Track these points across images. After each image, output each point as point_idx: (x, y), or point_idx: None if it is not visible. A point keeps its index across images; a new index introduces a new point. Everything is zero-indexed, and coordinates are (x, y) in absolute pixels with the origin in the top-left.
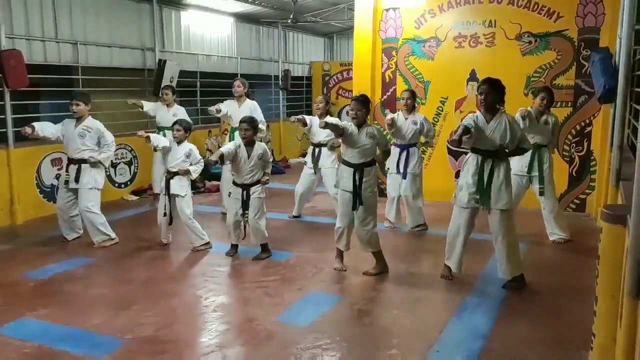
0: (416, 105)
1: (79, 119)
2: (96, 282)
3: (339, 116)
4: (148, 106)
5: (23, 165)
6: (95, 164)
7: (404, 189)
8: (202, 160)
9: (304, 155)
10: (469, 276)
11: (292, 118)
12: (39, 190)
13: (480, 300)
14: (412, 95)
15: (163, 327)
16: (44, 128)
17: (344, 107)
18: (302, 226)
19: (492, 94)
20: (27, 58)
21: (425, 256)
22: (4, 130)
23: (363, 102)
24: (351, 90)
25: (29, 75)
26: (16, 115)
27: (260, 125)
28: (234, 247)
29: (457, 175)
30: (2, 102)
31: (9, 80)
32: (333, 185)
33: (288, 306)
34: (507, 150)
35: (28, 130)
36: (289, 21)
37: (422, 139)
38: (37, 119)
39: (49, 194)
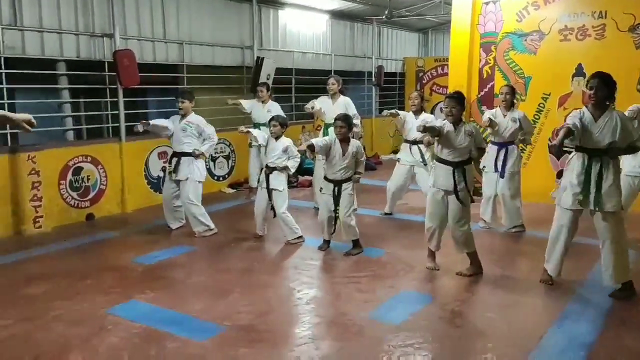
0: (515, 101)
1: (184, 115)
2: (197, 270)
3: (432, 113)
4: (246, 104)
5: (133, 157)
6: (198, 157)
7: (501, 188)
8: (299, 155)
9: (395, 151)
10: (571, 282)
11: (385, 112)
12: (146, 181)
13: (583, 308)
14: (512, 90)
15: (259, 316)
16: (158, 124)
17: (437, 103)
18: (393, 223)
19: (603, 88)
20: (139, 57)
21: (523, 259)
22: (117, 125)
23: (457, 99)
24: (445, 87)
25: (140, 74)
26: (127, 111)
27: (355, 120)
28: (327, 242)
29: (559, 175)
30: (116, 99)
31: (122, 79)
32: (427, 183)
33: (379, 303)
34: (617, 149)
35: (140, 128)
36: (384, 17)
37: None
38: (146, 115)
39: (156, 184)
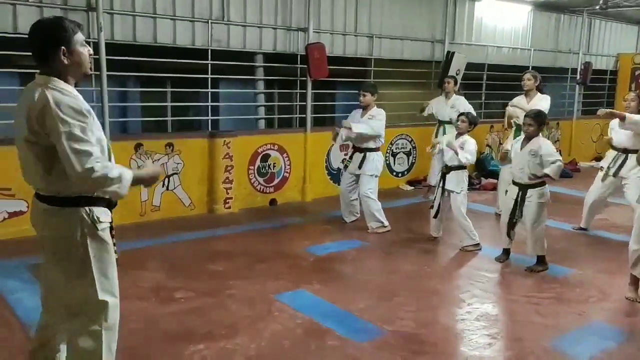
0: None
1: (365, 109)
2: (365, 267)
3: None
4: (430, 109)
5: (316, 148)
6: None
7: None
8: (475, 152)
9: (597, 158)
10: None
11: (601, 111)
12: (327, 172)
13: None
14: None
15: (422, 325)
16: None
17: None
18: (587, 240)
19: None
20: (329, 51)
21: None
22: (304, 116)
23: None
24: None
25: (329, 67)
26: (315, 103)
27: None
28: (506, 252)
29: None
30: (305, 91)
31: (311, 71)
32: (635, 199)
33: (563, 332)
34: None
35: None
36: (597, 7)
37: None
38: (333, 107)
39: (335, 176)
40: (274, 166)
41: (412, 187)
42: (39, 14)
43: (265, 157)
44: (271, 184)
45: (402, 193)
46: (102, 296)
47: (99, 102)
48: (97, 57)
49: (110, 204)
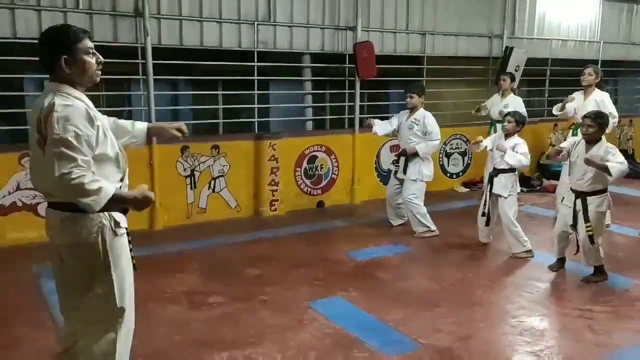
0: None
1: (412, 111)
2: (407, 273)
3: None
4: (488, 105)
5: (365, 149)
6: (409, 155)
7: None
8: (527, 154)
9: None
10: None
11: None
12: (376, 173)
13: None
14: None
15: (460, 339)
16: (380, 130)
17: None
18: None
19: None
20: (379, 49)
21: None
22: (352, 116)
23: None
24: None
25: (379, 66)
26: (366, 103)
27: (611, 120)
28: (560, 260)
29: None
30: (353, 91)
31: (360, 71)
32: None
33: (616, 349)
34: None
35: (372, 122)
36: None
37: None
38: (386, 107)
39: (385, 177)
40: (321, 168)
41: (467, 189)
42: (88, 21)
43: (313, 159)
44: (318, 186)
45: (456, 195)
46: (120, 303)
47: (146, 106)
48: (144, 61)
49: (125, 210)
